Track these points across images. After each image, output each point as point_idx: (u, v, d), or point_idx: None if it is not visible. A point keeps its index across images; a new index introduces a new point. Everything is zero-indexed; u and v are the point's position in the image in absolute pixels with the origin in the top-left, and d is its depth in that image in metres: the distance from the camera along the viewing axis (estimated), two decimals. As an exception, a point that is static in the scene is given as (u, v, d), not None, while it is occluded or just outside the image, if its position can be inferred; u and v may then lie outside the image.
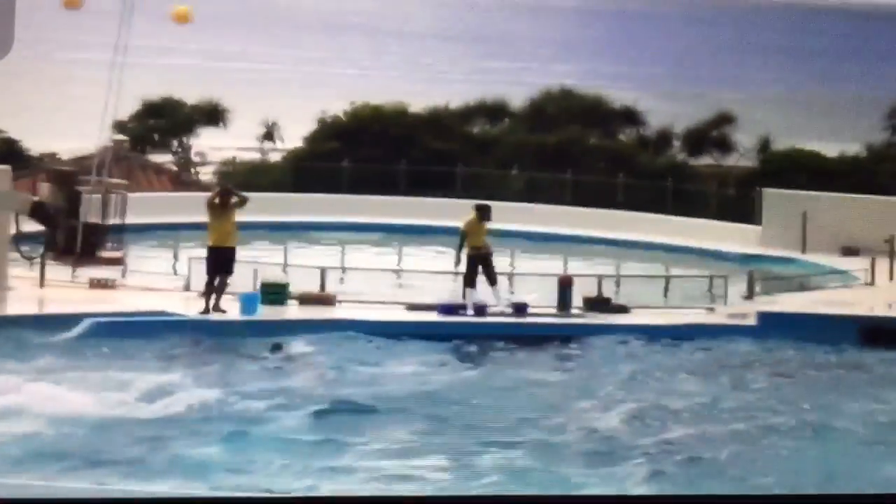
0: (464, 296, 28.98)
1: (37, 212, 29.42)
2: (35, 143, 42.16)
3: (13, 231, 29.27)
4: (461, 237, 29.34)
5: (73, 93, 41.50)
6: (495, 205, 37.81)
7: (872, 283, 32.85)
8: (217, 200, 28.51)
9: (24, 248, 29.38)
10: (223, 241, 28.17)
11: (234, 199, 28.48)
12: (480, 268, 29.08)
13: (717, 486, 20.50)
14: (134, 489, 16.34)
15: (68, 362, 24.85)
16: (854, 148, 46.84)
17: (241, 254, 28.72)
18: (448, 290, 29.67)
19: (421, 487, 20.13)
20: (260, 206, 34.20)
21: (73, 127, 39.12)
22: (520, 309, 29.01)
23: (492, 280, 29.25)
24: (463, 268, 29.33)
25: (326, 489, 19.49)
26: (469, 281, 29.14)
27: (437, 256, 34.09)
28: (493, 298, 29.11)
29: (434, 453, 21.65)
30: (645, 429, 23.15)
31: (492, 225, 29.95)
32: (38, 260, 29.23)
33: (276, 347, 26.42)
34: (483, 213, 29.64)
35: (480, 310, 28.76)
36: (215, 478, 19.97)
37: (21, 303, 27.97)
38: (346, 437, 22.30)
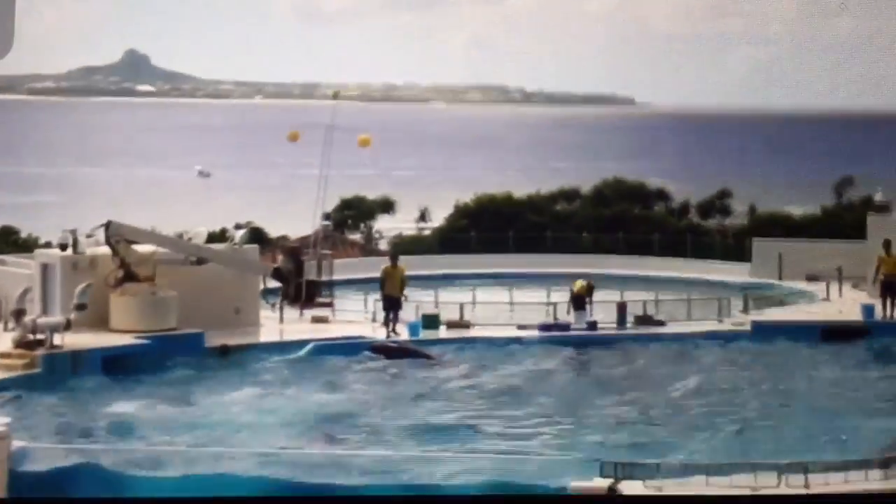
0: (572, 317, 29.08)
1: (275, 274, 30.03)
2: (274, 229, 42.89)
3: (262, 287, 30.05)
4: (573, 292, 29.46)
5: (300, 196, 41.85)
6: (573, 257, 38.22)
7: (828, 299, 32.70)
8: (388, 267, 28.98)
9: (269, 298, 30.07)
10: (393, 292, 28.49)
11: (399, 268, 28.88)
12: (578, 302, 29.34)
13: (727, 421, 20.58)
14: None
15: (299, 373, 25.41)
16: (813, 209, 46.54)
17: (407, 295, 29.06)
18: (544, 315, 29.71)
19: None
20: (418, 264, 34.67)
21: (298, 217, 39.77)
22: (592, 325, 29.08)
23: (581, 308, 29.35)
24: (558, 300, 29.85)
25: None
26: (576, 308, 29.26)
27: (535, 293, 34.22)
28: (578, 319, 29.17)
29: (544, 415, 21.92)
30: (687, 393, 23.45)
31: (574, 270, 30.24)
32: (278, 305, 29.93)
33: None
34: (590, 287, 29.63)
35: (592, 325, 28.79)
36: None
37: (268, 334, 28.29)
38: (482, 408, 22.75)
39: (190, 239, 28.62)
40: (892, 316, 29.39)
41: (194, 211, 61.15)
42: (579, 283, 29.65)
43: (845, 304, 31.32)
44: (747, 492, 14.66)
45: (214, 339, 26.17)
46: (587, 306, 29.28)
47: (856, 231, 35.15)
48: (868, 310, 29.48)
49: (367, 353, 26.65)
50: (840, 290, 32.72)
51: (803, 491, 14.71)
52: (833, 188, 48.74)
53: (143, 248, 27.43)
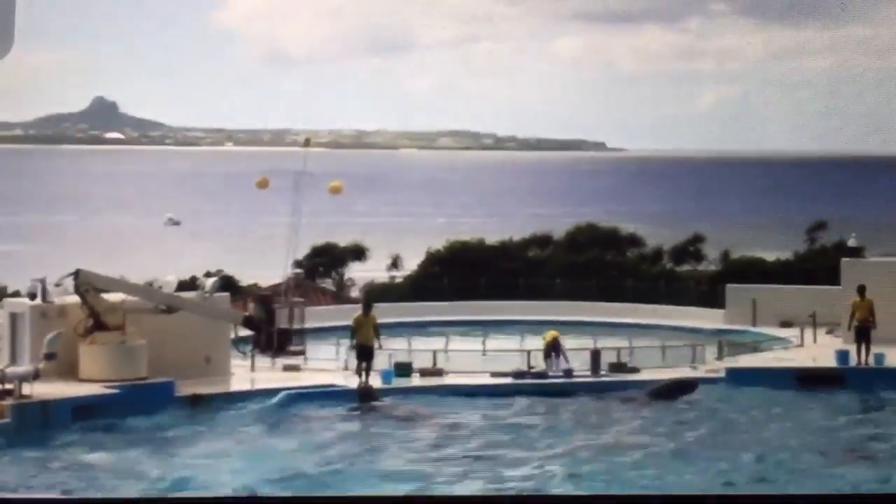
0: (548, 365, 29.26)
1: (247, 322, 29.90)
2: (245, 277, 42.72)
3: (233, 335, 29.94)
4: (544, 339, 29.70)
5: (270, 243, 41.75)
6: (546, 304, 38.27)
7: (802, 344, 32.79)
8: (360, 316, 28.67)
9: (240, 346, 29.94)
10: (366, 341, 28.21)
11: (371, 317, 28.46)
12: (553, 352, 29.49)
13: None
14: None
15: (270, 421, 25.25)
16: (786, 254, 46.76)
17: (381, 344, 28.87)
18: (517, 362, 29.70)
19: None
20: (390, 312, 34.52)
21: (269, 265, 39.71)
22: (567, 373, 29.11)
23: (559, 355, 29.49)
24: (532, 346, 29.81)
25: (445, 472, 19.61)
26: (546, 356, 29.39)
27: (507, 340, 34.15)
28: (554, 366, 29.24)
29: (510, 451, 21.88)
30: (655, 433, 23.34)
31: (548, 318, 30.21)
32: (249, 354, 29.81)
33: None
34: (555, 340, 29.76)
35: (568, 373, 28.91)
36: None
37: (239, 382, 28.20)
38: (450, 448, 22.71)
39: (160, 287, 28.52)
40: (866, 362, 29.54)
41: (164, 259, 60.96)
42: (550, 333, 29.78)
43: (819, 349, 31.42)
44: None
45: (185, 388, 26.04)
46: (561, 354, 29.35)
47: (829, 276, 35.31)
48: (842, 356, 29.61)
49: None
50: (814, 335, 32.87)
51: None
52: (805, 232, 49.03)
53: (112, 297, 27.32)
